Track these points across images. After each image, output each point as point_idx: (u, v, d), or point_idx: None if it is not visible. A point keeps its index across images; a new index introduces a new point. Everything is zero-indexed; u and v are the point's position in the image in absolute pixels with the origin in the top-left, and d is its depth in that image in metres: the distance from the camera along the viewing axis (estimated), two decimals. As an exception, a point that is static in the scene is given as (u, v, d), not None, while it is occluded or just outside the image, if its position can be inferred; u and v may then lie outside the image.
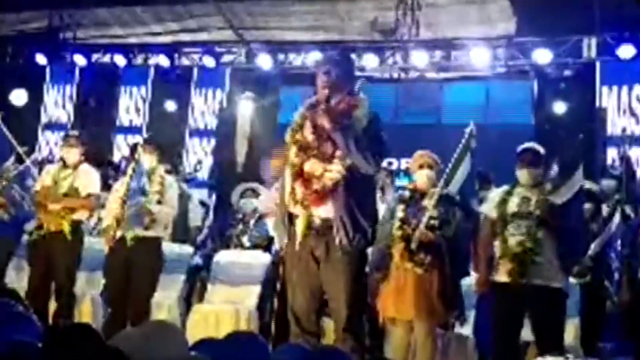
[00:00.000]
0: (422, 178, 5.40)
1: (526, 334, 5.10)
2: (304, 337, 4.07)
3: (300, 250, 4.13)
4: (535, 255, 4.85)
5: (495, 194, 5.27)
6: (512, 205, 5.03)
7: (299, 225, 4.11)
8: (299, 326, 4.13)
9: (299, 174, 4.11)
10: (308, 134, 4.14)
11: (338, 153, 4.03)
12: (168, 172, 6.67)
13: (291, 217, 4.17)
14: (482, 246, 5.20)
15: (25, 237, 6.47)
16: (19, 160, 6.38)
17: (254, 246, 7.28)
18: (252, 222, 7.51)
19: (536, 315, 4.93)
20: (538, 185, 5.06)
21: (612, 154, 7.90)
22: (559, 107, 9.82)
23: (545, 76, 10.16)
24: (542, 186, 5.06)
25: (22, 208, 6.17)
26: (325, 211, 4.05)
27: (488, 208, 5.21)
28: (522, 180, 5.09)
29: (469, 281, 5.79)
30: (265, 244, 7.11)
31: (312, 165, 4.08)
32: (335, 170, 4.02)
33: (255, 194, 7.75)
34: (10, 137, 6.25)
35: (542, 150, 5.20)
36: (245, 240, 7.43)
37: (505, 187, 5.20)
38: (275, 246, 6.47)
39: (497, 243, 5.02)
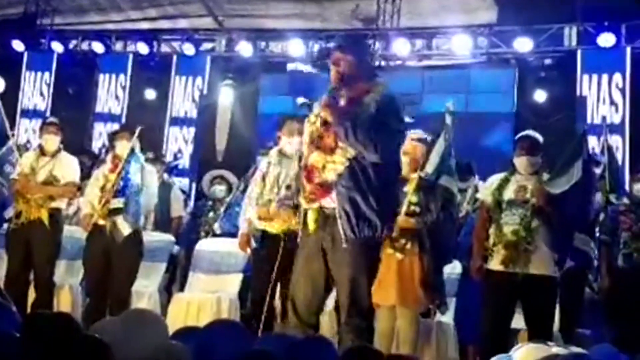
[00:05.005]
0: None
1: (516, 322, 5.12)
2: (302, 329, 4.00)
3: (310, 242, 4.08)
4: (529, 243, 4.85)
5: (492, 180, 5.24)
6: (509, 192, 5.03)
7: (310, 218, 4.04)
8: (297, 317, 4.06)
9: (305, 167, 4.07)
10: (319, 127, 4.07)
11: (340, 144, 3.96)
12: (149, 160, 6.62)
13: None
14: (477, 232, 5.20)
15: (3, 226, 6.39)
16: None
17: (225, 233, 7.24)
18: (221, 209, 7.49)
19: (528, 303, 4.95)
20: (535, 173, 5.06)
21: (592, 142, 7.92)
22: (540, 96, 9.84)
23: (526, 64, 10.18)
24: (540, 175, 5.05)
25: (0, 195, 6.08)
26: (331, 202, 3.98)
27: (484, 194, 5.21)
28: (520, 167, 5.09)
29: (449, 269, 5.80)
30: (235, 231, 7.07)
31: (315, 158, 4.03)
32: (338, 162, 3.96)
33: (225, 181, 7.76)
34: (5, 119, 6.15)
35: (540, 138, 5.18)
36: (216, 226, 7.41)
37: (502, 174, 5.18)
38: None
39: (491, 230, 5.03)
